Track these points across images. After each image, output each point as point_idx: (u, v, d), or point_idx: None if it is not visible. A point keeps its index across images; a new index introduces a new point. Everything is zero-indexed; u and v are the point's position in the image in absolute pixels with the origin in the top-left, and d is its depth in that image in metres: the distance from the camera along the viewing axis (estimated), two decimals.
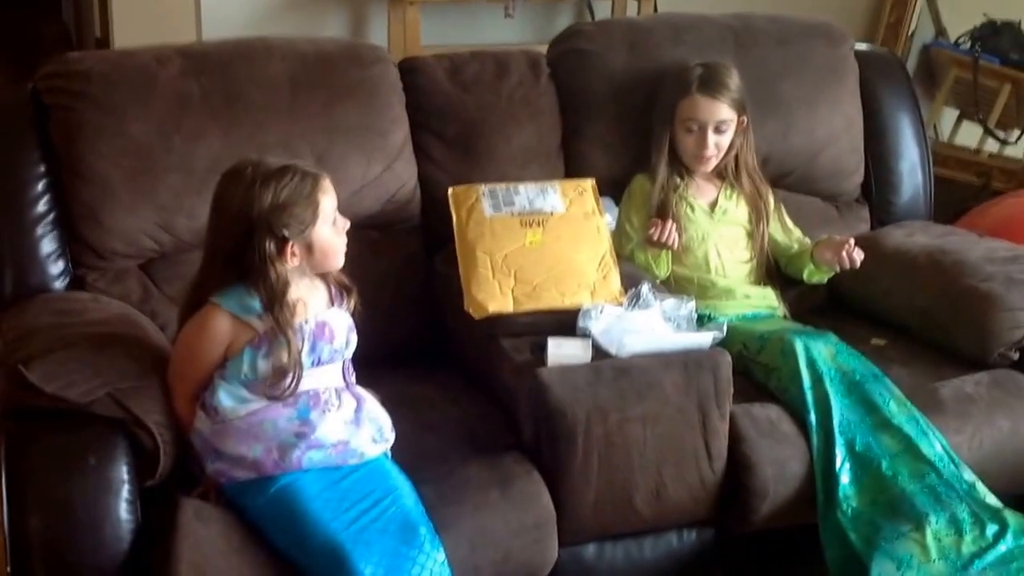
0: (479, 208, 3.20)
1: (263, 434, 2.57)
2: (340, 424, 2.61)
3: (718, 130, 3.38)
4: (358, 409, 2.65)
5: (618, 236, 3.32)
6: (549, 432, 2.77)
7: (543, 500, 2.75)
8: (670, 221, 3.27)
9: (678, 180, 3.41)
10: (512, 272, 3.06)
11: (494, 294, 3.03)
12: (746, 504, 2.90)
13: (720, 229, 3.42)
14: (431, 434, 2.86)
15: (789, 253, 3.49)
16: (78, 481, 2.48)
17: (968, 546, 2.76)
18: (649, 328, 2.94)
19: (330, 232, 2.62)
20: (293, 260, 2.58)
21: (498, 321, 3.00)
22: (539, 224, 3.17)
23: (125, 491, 2.51)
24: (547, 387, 2.77)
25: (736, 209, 3.45)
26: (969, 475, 2.93)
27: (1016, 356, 3.22)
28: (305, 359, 2.61)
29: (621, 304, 3.01)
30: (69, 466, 2.50)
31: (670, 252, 3.32)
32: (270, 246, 2.55)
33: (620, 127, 3.54)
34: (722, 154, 3.42)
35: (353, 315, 2.73)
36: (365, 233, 3.22)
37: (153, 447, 2.55)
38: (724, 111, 3.37)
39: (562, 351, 2.85)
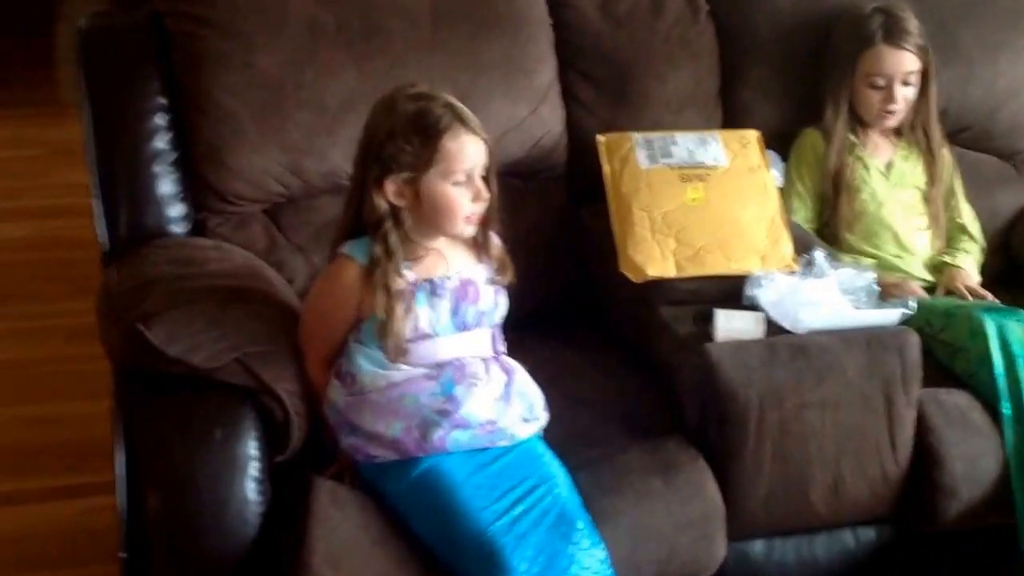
0: (633, 159, 2.91)
1: (403, 410, 2.30)
2: (488, 401, 2.33)
3: (905, 82, 3.06)
4: (508, 384, 2.37)
5: (787, 196, 3.02)
6: (718, 416, 2.49)
7: (710, 491, 2.47)
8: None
9: (853, 138, 3.09)
10: (673, 232, 2.77)
11: (653, 256, 2.74)
12: (932, 502, 2.61)
13: (897, 193, 3.11)
14: (582, 410, 2.58)
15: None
16: (203, 456, 2.25)
17: None
18: (827, 300, 2.63)
19: (449, 190, 2.29)
20: (396, 199, 2.28)
21: (657, 286, 2.72)
22: (701, 179, 2.87)
23: (253, 468, 2.27)
24: (716, 365, 2.48)
25: (913, 171, 3.13)
26: None
27: None
28: (448, 322, 2.34)
29: (794, 272, 2.71)
30: (193, 439, 2.26)
31: None
32: (373, 169, 2.28)
33: (785, 73, 3.21)
34: (907, 108, 3.09)
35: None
36: (507, 181, 2.89)
37: (284, 418, 2.31)
38: (911, 61, 3.05)
39: (732, 325, 2.56)
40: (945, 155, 3.18)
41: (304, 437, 2.34)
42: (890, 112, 3.08)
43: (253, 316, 2.42)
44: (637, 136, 2.95)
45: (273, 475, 2.30)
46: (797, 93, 3.19)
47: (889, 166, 3.12)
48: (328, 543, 2.22)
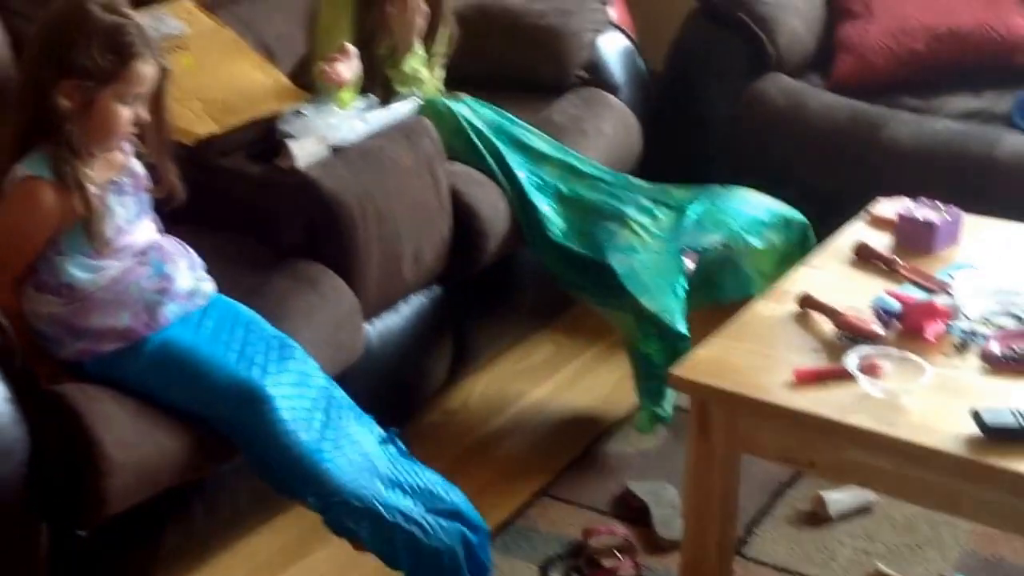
0: None
1: (129, 299, 2.43)
2: (186, 272, 2.53)
3: None
4: (188, 254, 2.57)
5: (328, 43, 3.16)
6: (330, 225, 2.84)
7: (346, 290, 2.84)
8: (347, 58, 3.07)
9: (380, 7, 3.24)
10: (193, 95, 3.01)
11: (192, 119, 2.97)
12: (476, 247, 3.15)
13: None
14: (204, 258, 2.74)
15: None
16: None
17: (664, 220, 3.19)
18: (349, 115, 3.04)
19: (118, 109, 2.37)
20: (63, 101, 2.32)
21: (206, 146, 2.96)
22: (182, 48, 3.11)
23: (4, 391, 2.29)
24: (318, 183, 2.83)
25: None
26: (616, 173, 3.36)
27: (586, 75, 3.69)
28: (133, 213, 2.48)
29: (309, 101, 3.07)
30: None
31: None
32: (50, 69, 2.33)
33: None
34: None
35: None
36: None
37: (5, 342, 2.34)
38: None
39: (306, 150, 2.90)
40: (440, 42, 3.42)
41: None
42: None
43: None
44: None
45: None
46: None
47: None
48: (110, 432, 2.33)
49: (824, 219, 3.07)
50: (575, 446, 3.25)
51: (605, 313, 3.19)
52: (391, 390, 3.10)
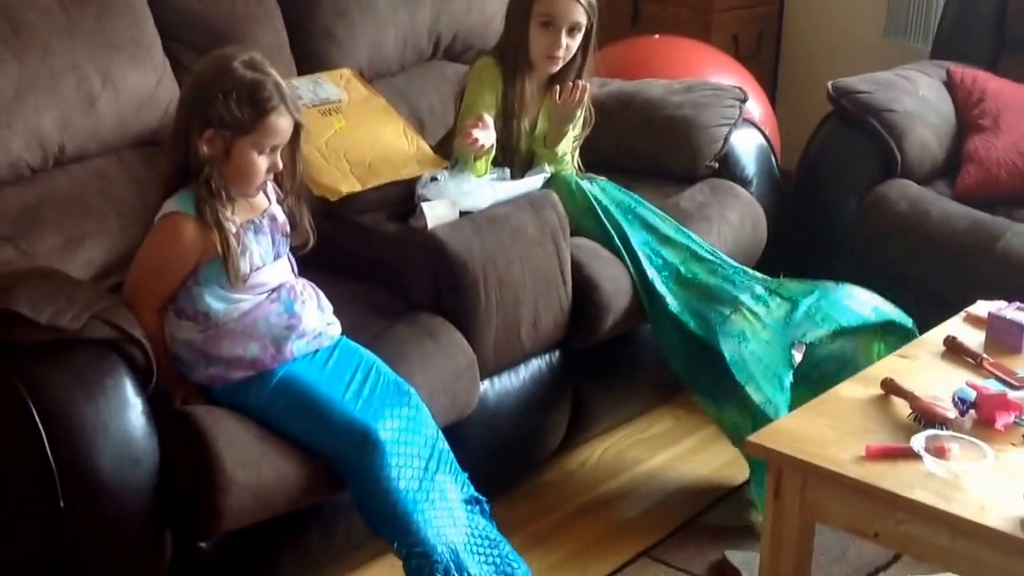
0: None
1: (256, 332, 2.65)
2: (314, 312, 2.74)
3: (571, 32, 3.41)
4: (318, 297, 2.78)
5: (471, 116, 3.32)
6: (453, 283, 3.04)
7: (464, 344, 3.03)
8: (484, 127, 3.22)
9: (524, 85, 3.44)
10: (342, 155, 3.25)
11: (338, 177, 3.21)
12: (595, 319, 3.32)
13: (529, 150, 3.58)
14: (337, 306, 2.95)
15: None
16: (105, 407, 2.47)
17: (776, 311, 3.32)
18: (478, 184, 3.25)
19: (254, 157, 2.61)
20: (207, 148, 2.58)
21: (347, 203, 3.19)
22: (337, 111, 3.37)
23: (139, 404, 2.52)
24: (445, 243, 3.03)
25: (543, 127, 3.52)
26: (735, 263, 3.51)
27: (716, 165, 3.85)
28: (270, 252, 2.71)
29: (446, 168, 3.30)
30: (93, 393, 2.46)
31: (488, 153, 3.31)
32: (196, 120, 2.58)
33: (347, 16, 3.69)
34: (568, 58, 3.46)
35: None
36: (149, 151, 3.26)
37: (146, 361, 2.57)
38: (580, 13, 3.40)
39: (436, 212, 3.11)
40: (579, 121, 3.54)
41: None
42: (555, 57, 3.41)
43: (72, 283, 2.63)
44: None
45: None
46: (360, 37, 3.71)
47: (534, 126, 3.51)
48: (231, 452, 2.54)
49: (937, 321, 3.16)
50: (682, 514, 3.39)
51: (711, 411, 3.33)
52: (506, 449, 3.27)
